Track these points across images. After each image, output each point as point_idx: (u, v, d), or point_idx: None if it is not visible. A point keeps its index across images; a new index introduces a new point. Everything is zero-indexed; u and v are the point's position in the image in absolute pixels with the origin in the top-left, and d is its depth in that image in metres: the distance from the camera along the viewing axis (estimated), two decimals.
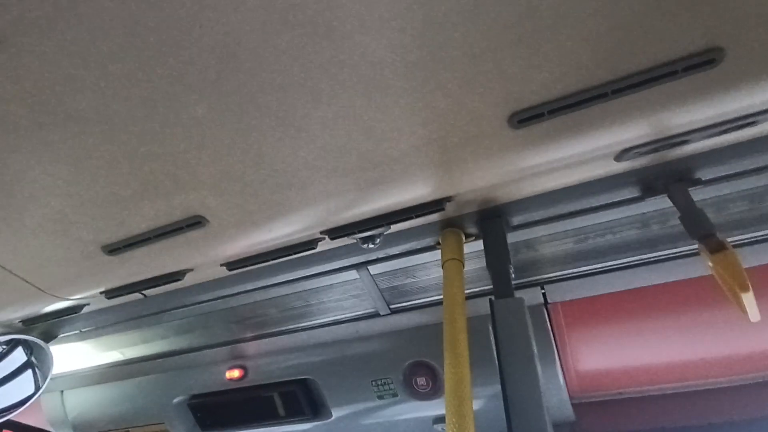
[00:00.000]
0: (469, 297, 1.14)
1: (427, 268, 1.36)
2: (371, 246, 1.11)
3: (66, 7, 0.56)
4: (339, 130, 0.76)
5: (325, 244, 1.18)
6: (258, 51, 0.63)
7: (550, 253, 1.27)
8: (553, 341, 1.34)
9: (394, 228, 1.10)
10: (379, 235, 1.10)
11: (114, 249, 1.02)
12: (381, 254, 1.31)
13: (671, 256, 1.22)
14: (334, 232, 1.07)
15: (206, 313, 1.61)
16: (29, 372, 1.49)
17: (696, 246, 0.92)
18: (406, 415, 1.56)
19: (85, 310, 1.42)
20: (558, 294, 1.33)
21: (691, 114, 0.78)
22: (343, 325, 1.54)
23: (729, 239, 0.97)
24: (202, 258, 1.14)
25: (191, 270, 1.22)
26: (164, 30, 0.59)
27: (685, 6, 0.60)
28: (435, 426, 1.54)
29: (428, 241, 1.24)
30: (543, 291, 1.34)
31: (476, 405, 1.39)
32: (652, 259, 1.24)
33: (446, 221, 1.16)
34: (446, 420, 0.85)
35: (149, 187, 0.86)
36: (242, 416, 1.70)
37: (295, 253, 1.17)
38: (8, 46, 0.59)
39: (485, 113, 0.75)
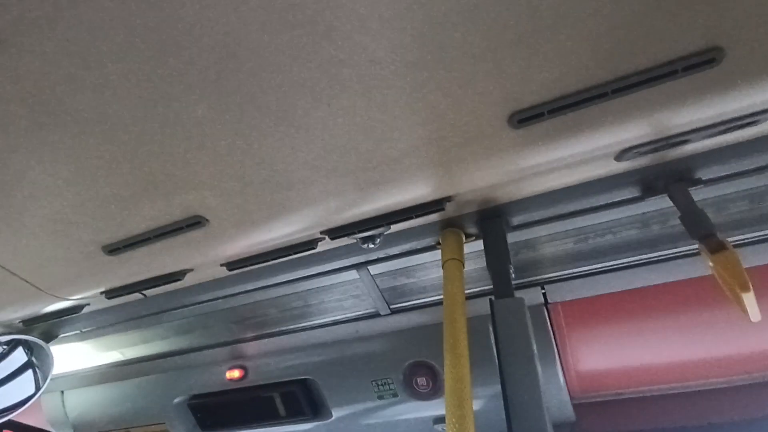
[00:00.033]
0: (469, 297, 1.14)
1: (427, 268, 1.36)
2: (371, 246, 1.11)
3: (66, 7, 0.56)
4: (339, 130, 0.76)
5: (325, 244, 1.18)
6: (258, 51, 0.63)
7: (551, 253, 1.27)
8: (553, 341, 1.34)
9: (394, 228, 1.10)
10: (379, 235, 1.10)
11: (114, 249, 1.02)
12: (381, 254, 1.31)
13: (671, 256, 1.22)
14: (334, 232, 1.07)
15: (206, 313, 1.61)
16: (29, 372, 1.49)
17: (696, 246, 0.92)
18: (407, 415, 1.56)
19: (86, 310, 1.42)
20: (558, 294, 1.33)
21: (691, 114, 0.78)
22: (343, 325, 1.54)
23: (729, 239, 0.97)
24: (202, 258, 1.14)
25: (191, 270, 1.22)
26: (164, 30, 0.59)
27: (684, 6, 0.60)
28: (435, 426, 1.54)
29: (428, 241, 1.24)
30: (543, 291, 1.34)
31: (476, 405, 1.39)
32: (653, 259, 1.24)
33: (446, 221, 1.16)
34: (446, 420, 0.85)
35: (149, 187, 0.86)
36: (242, 416, 1.71)
37: (295, 253, 1.17)
38: (8, 46, 0.59)
39: (485, 113, 0.75)
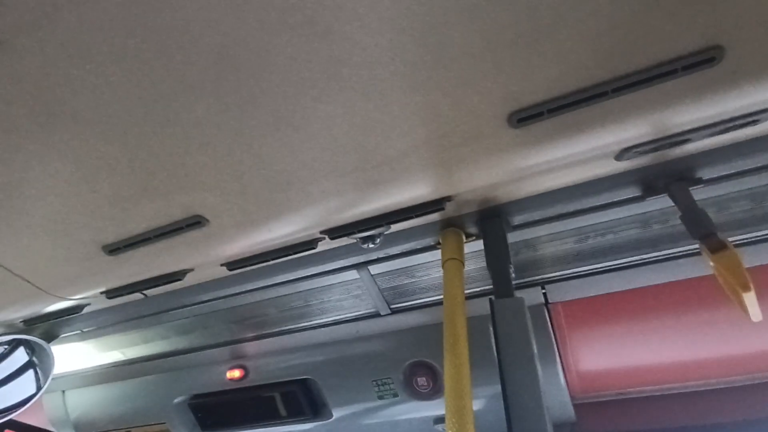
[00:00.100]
0: (469, 297, 1.14)
1: (427, 268, 1.36)
2: (371, 246, 1.11)
3: (66, 7, 0.56)
4: (338, 130, 0.76)
5: (325, 244, 1.18)
6: (257, 51, 0.63)
7: (551, 253, 1.27)
8: (553, 341, 1.34)
9: (394, 228, 1.10)
10: (379, 235, 1.10)
11: (114, 249, 1.02)
12: (381, 254, 1.31)
13: (672, 255, 1.22)
14: (334, 232, 1.07)
15: (206, 313, 1.61)
16: (31, 372, 1.49)
17: (697, 246, 0.92)
18: (407, 415, 1.56)
19: (86, 310, 1.43)
20: (559, 294, 1.33)
21: (691, 113, 0.77)
22: (343, 325, 1.54)
23: (730, 239, 0.96)
24: (202, 258, 1.14)
25: (191, 270, 1.22)
26: (164, 30, 0.59)
27: (684, 4, 0.60)
28: (435, 426, 1.53)
29: (428, 240, 1.24)
30: (543, 291, 1.33)
31: (476, 405, 1.39)
32: (653, 259, 1.24)
33: (446, 221, 1.16)
34: (446, 420, 0.85)
35: (149, 187, 0.86)
36: (243, 416, 1.71)
37: (295, 253, 1.17)
38: (8, 46, 0.59)
39: (485, 112, 0.75)
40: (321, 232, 1.09)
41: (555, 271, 1.31)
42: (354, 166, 0.85)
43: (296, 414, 1.63)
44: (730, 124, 0.81)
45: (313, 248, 1.16)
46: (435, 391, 1.46)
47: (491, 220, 1.13)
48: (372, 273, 1.36)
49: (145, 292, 1.34)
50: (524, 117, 0.75)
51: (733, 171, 1.02)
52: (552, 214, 1.15)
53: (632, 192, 1.06)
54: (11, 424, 1.58)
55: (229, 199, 0.91)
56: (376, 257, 1.32)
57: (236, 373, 1.67)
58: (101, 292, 1.27)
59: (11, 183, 0.81)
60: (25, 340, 1.47)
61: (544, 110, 0.74)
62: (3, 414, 1.42)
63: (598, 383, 1.40)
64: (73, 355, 1.88)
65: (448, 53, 0.65)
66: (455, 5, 0.59)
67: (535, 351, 0.91)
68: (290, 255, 1.18)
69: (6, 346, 1.45)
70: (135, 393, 1.87)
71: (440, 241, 1.18)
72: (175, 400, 1.79)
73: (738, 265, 0.82)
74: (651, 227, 1.19)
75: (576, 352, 1.36)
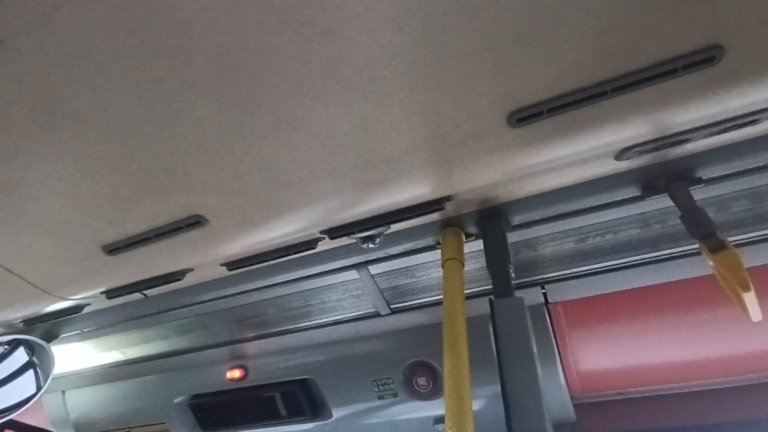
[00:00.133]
0: (469, 297, 1.14)
1: (427, 267, 1.36)
2: (371, 246, 1.11)
3: (66, 7, 0.56)
4: (338, 130, 0.76)
5: (325, 244, 1.18)
6: (257, 51, 0.63)
7: (551, 253, 1.27)
8: (553, 341, 1.34)
9: (394, 228, 1.10)
10: (378, 235, 1.10)
11: (114, 249, 1.02)
12: (381, 254, 1.31)
13: (672, 255, 1.22)
14: (334, 232, 1.07)
15: (206, 313, 1.61)
16: (31, 372, 1.49)
17: (697, 245, 0.92)
18: (407, 415, 1.56)
19: (86, 310, 1.43)
20: (559, 294, 1.33)
21: (691, 112, 0.77)
22: (343, 325, 1.54)
23: (730, 238, 0.97)
24: (202, 258, 1.14)
25: (191, 270, 1.22)
26: (164, 30, 0.59)
27: (684, 4, 0.60)
28: (436, 426, 1.53)
29: (428, 240, 1.24)
30: (543, 291, 1.33)
31: (476, 405, 1.39)
32: (653, 259, 1.24)
33: (446, 221, 1.16)
34: (445, 420, 0.85)
35: (149, 187, 0.86)
36: (243, 416, 1.71)
37: (294, 253, 1.17)
38: (8, 46, 0.59)
39: (484, 112, 0.75)
40: (321, 232, 1.09)
41: (555, 271, 1.31)
42: (354, 166, 0.85)
43: (296, 414, 1.63)
44: (730, 124, 0.81)
45: (313, 248, 1.16)
46: (435, 391, 1.46)
47: (491, 219, 1.13)
48: (372, 273, 1.36)
49: (145, 292, 1.34)
50: (524, 116, 0.75)
51: (732, 171, 1.02)
52: (552, 213, 1.15)
53: (632, 192, 1.06)
54: (11, 424, 1.58)
55: (229, 199, 0.91)
56: (375, 257, 1.32)
57: (236, 373, 1.67)
58: (101, 292, 1.27)
59: (11, 183, 0.81)
60: (25, 340, 1.47)
61: (543, 110, 0.74)
62: (3, 414, 1.42)
63: (598, 383, 1.40)
64: (73, 355, 1.88)
65: (448, 53, 0.65)
66: (455, 5, 0.59)
67: (535, 351, 0.91)
68: (290, 255, 1.18)
69: (6, 346, 1.45)
70: (135, 393, 1.87)
71: (440, 241, 1.18)
72: (175, 400, 1.79)
73: (738, 265, 0.82)
74: (651, 227, 1.19)
75: (576, 352, 1.36)
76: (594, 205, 1.11)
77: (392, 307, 1.47)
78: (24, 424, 1.69)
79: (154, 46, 0.61)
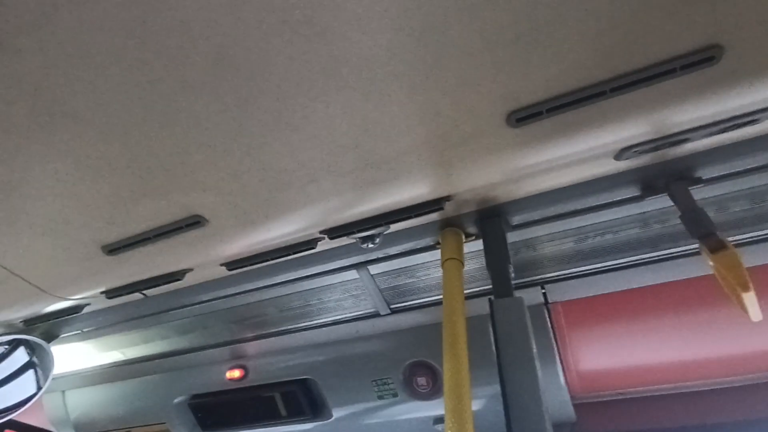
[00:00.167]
0: (469, 297, 1.14)
1: (427, 267, 1.36)
2: (371, 246, 1.11)
3: (66, 7, 0.56)
4: (337, 130, 0.76)
5: (325, 244, 1.18)
6: (256, 51, 0.63)
7: (550, 253, 1.27)
8: (553, 341, 1.34)
9: (394, 228, 1.10)
10: (378, 235, 1.10)
11: (114, 249, 1.02)
12: (381, 254, 1.31)
13: (672, 255, 1.22)
14: (334, 232, 1.07)
15: (206, 313, 1.61)
16: (31, 372, 1.50)
17: (697, 245, 0.92)
18: (407, 415, 1.56)
19: (86, 310, 1.43)
20: (558, 293, 1.33)
21: (691, 112, 0.77)
22: (343, 325, 1.54)
23: (730, 238, 0.97)
24: (202, 258, 1.14)
25: (191, 270, 1.22)
26: (163, 30, 0.59)
27: (683, 4, 0.60)
28: (435, 426, 1.53)
29: (428, 240, 1.24)
30: (543, 291, 1.33)
31: (476, 405, 1.39)
32: (653, 259, 1.24)
33: (446, 221, 1.16)
34: (445, 420, 0.85)
35: (149, 187, 0.86)
36: (243, 416, 1.71)
37: (294, 253, 1.17)
38: (8, 46, 0.59)
39: (484, 112, 0.75)
40: (320, 232, 1.09)
41: (554, 271, 1.31)
42: (353, 166, 0.85)
43: (296, 414, 1.63)
44: (730, 124, 0.81)
45: (313, 248, 1.16)
46: (435, 391, 1.46)
47: (491, 219, 1.13)
48: (372, 273, 1.36)
49: (144, 292, 1.34)
50: (523, 116, 0.75)
51: (732, 170, 1.02)
52: (551, 213, 1.15)
53: (632, 192, 1.06)
54: (11, 424, 1.58)
55: (229, 199, 0.91)
56: (375, 257, 1.32)
57: (236, 373, 1.67)
58: (101, 292, 1.27)
59: (11, 183, 0.81)
60: (25, 340, 1.47)
61: (543, 110, 0.74)
62: (3, 414, 1.42)
63: (598, 383, 1.40)
64: (73, 355, 1.88)
65: (447, 53, 0.65)
66: (454, 5, 0.59)
67: (535, 351, 0.91)
68: (290, 255, 1.18)
69: (6, 346, 1.46)
70: (135, 393, 1.87)
71: (440, 240, 1.18)
72: (175, 400, 1.79)
73: (738, 265, 0.82)
74: (650, 227, 1.19)
75: (576, 352, 1.36)
76: (593, 205, 1.12)
77: (392, 307, 1.47)
78: (24, 424, 1.69)
79: (153, 47, 0.61)
